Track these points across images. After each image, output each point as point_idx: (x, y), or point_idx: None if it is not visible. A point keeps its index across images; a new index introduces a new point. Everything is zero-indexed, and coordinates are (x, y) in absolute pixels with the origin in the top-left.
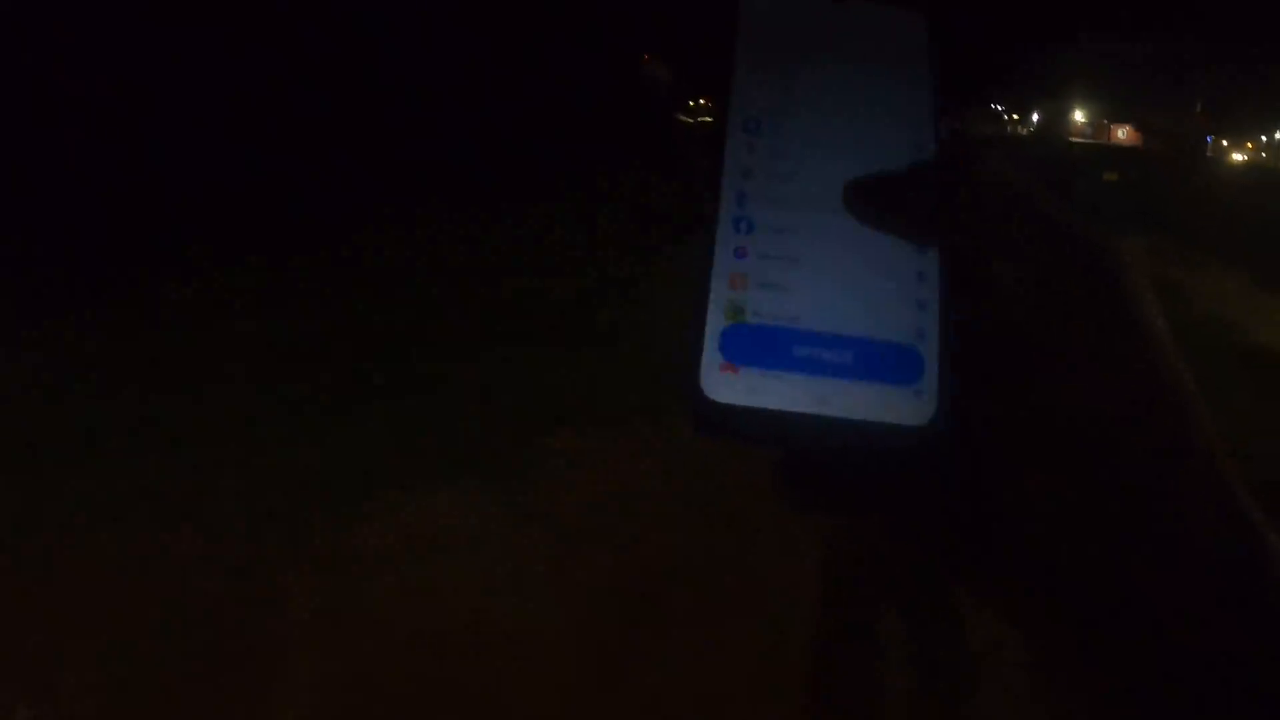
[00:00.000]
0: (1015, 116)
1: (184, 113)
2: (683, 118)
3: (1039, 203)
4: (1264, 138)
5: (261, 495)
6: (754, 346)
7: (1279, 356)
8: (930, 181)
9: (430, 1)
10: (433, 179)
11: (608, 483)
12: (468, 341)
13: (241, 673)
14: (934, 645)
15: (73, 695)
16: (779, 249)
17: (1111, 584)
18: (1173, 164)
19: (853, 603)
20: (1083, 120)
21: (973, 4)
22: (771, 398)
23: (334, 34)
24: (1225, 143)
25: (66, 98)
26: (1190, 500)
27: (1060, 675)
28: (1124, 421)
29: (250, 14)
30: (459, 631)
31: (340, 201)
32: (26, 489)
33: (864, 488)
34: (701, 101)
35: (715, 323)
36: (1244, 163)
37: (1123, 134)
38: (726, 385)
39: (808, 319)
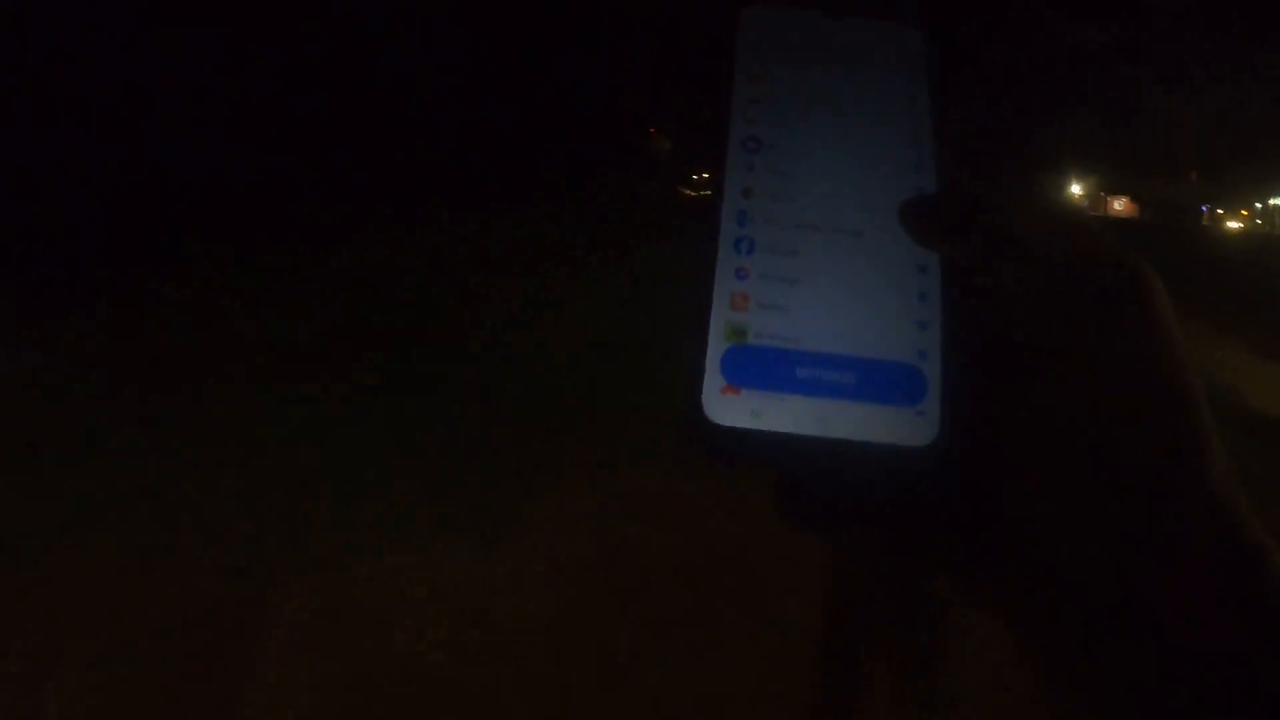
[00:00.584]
0: None
1: (184, 112)
2: (684, 189)
3: (1068, 213)
4: (1259, 205)
5: (261, 495)
6: (756, 368)
7: None
8: (968, 198)
9: (432, 3)
10: (435, 181)
11: (609, 484)
12: (468, 342)
13: (241, 673)
14: (934, 645)
15: (72, 694)
16: (780, 269)
17: (1111, 584)
18: (1169, 234)
19: (852, 604)
20: (1080, 193)
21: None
22: (774, 419)
23: (334, 33)
24: (1220, 211)
25: (67, 97)
26: (1190, 501)
27: (1059, 675)
28: (1126, 422)
29: (250, 13)
30: (460, 631)
31: (341, 201)
32: (27, 488)
33: (866, 508)
34: (704, 175)
35: (716, 344)
36: (1240, 230)
37: (1119, 205)
38: (728, 407)
39: (810, 340)
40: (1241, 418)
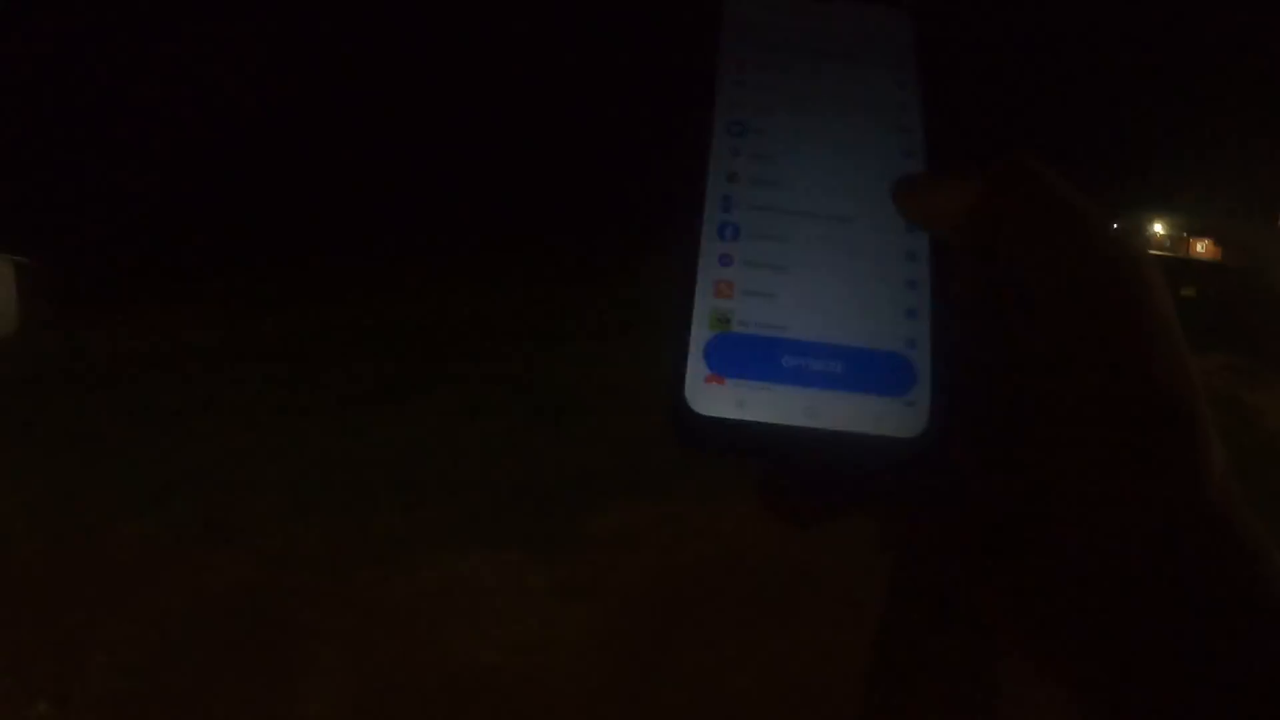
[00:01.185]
0: None
1: (271, 130)
2: None
3: (1067, 194)
4: None
5: (298, 485)
6: (741, 357)
7: None
8: (967, 175)
9: (433, 9)
10: (491, 185)
11: (669, 502)
12: (505, 341)
13: (272, 658)
14: (971, 659)
15: (104, 673)
16: (765, 256)
17: (1106, 583)
18: (1253, 279)
19: (896, 621)
20: (1162, 232)
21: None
22: (759, 410)
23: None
24: None
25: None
26: (1184, 501)
27: (1060, 677)
28: (1119, 417)
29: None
30: (513, 635)
31: (404, 209)
32: (73, 470)
33: (855, 500)
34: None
35: (700, 332)
36: None
37: (1202, 248)
38: (712, 397)
39: (796, 328)
40: None
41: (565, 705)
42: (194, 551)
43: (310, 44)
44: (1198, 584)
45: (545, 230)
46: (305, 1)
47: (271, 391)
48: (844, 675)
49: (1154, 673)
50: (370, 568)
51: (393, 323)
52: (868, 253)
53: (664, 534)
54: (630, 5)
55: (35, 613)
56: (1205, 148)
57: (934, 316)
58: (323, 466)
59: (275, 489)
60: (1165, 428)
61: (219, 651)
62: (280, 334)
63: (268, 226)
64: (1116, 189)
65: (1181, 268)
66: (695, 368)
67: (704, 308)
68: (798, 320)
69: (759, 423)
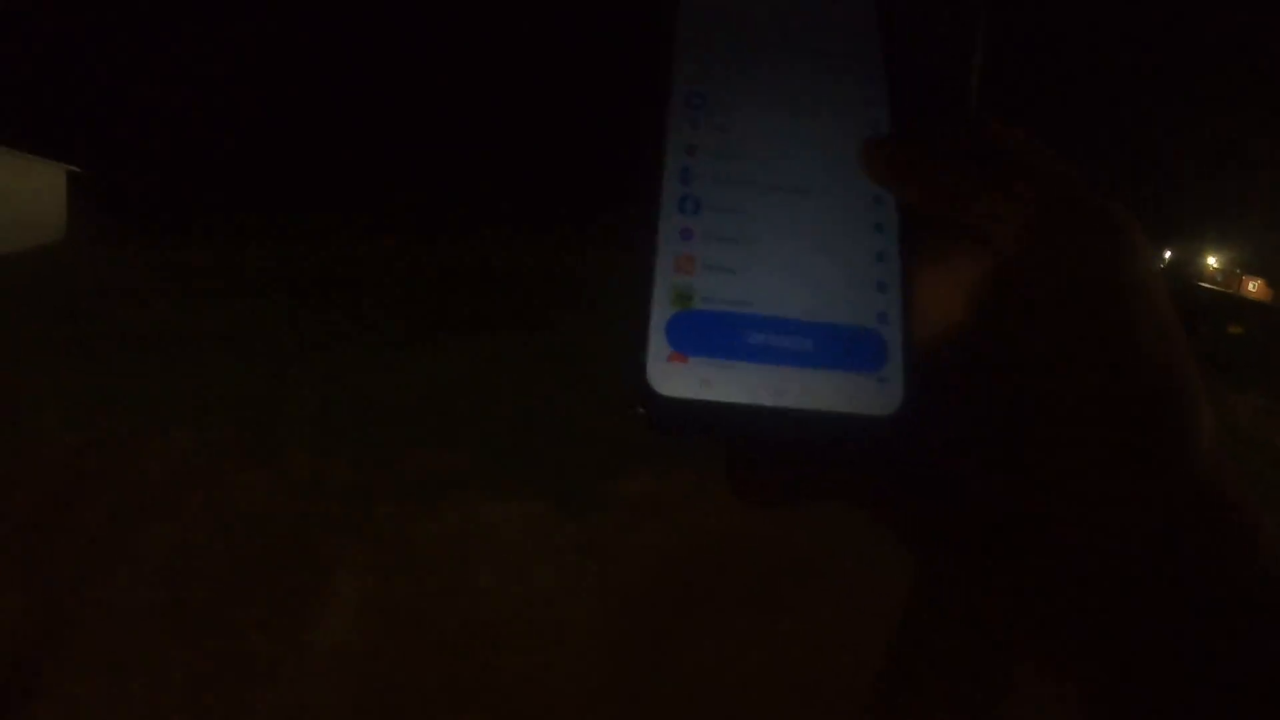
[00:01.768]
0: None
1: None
2: None
3: (1046, 161)
4: None
5: (330, 417)
6: (704, 334)
7: None
8: (947, 137)
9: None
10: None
11: (692, 472)
12: (551, 296)
13: (291, 582)
14: (984, 655)
15: (128, 586)
16: (728, 229)
17: (1094, 564)
18: None
19: (913, 609)
20: (1215, 265)
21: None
22: (725, 389)
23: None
24: None
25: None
26: (1171, 474)
27: (1049, 662)
28: (1100, 389)
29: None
30: (505, 578)
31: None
32: (112, 379)
33: (827, 482)
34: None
35: (661, 310)
36: None
37: (1254, 287)
38: (676, 377)
39: (761, 303)
40: None
41: (574, 661)
42: (225, 470)
43: None
44: (1198, 584)
45: (602, 194)
46: None
47: (311, 323)
48: (857, 651)
49: (1154, 673)
50: (395, 504)
51: (440, 265)
52: (834, 224)
53: (689, 502)
54: None
55: (62, 517)
56: (1270, 175)
57: (904, 289)
58: (356, 401)
59: (309, 419)
60: (1165, 428)
61: (240, 570)
62: (323, 266)
63: (323, 161)
64: (1170, 216)
65: (1231, 304)
66: (657, 347)
67: (665, 284)
68: (763, 296)
69: (725, 403)
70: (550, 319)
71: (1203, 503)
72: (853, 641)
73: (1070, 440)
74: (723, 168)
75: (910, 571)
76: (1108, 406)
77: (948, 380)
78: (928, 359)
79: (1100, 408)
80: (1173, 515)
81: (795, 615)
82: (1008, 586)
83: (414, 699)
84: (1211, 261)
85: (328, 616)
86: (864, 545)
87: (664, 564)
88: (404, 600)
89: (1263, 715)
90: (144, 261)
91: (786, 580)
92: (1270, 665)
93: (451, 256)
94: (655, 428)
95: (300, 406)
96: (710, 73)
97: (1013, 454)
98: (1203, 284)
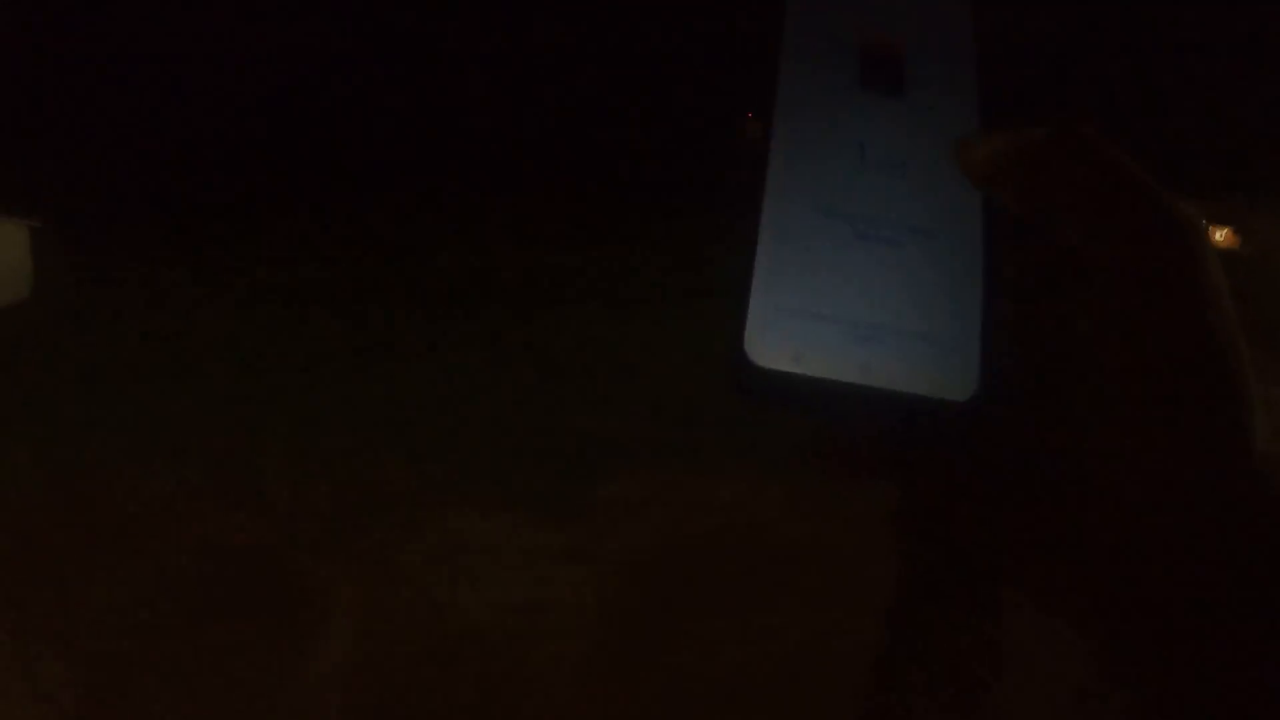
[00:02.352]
0: None
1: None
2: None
3: (1126, 160)
4: None
5: (305, 440)
6: (799, 313)
7: None
8: (1041, 136)
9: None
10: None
11: (681, 477)
12: (518, 302)
13: (283, 613)
14: (986, 651)
15: (109, 631)
16: (825, 225)
17: (1158, 564)
18: (1273, 272)
19: (908, 608)
20: None
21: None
22: (815, 365)
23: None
24: None
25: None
26: (1235, 462)
27: (1096, 672)
28: (1167, 375)
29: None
30: (514, 597)
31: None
32: (82, 417)
33: (904, 461)
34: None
35: (763, 286)
36: None
37: (1221, 236)
38: (770, 349)
39: (853, 289)
40: None
41: (568, 663)
42: (204, 496)
43: None
44: (1246, 568)
45: (583, 192)
46: None
47: (280, 342)
48: (842, 651)
49: (1188, 652)
50: (376, 522)
51: (403, 278)
52: (920, 217)
53: (670, 504)
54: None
55: (38, 560)
56: (1233, 126)
57: (986, 279)
58: (329, 420)
59: (283, 443)
60: (1221, 407)
61: (221, 599)
62: (286, 286)
63: (281, 180)
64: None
65: None
66: (756, 321)
67: (765, 263)
68: (855, 282)
69: (814, 377)
70: (521, 326)
71: (1254, 488)
72: (842, 634)
73: (1123, 416)
74: (824, 171)
75: (904, 566)
76: (1167, 382)
77: (1021, 371)
78: (1002, 349)
79: (1160, 384)
80: (1228, 499)
81: (782, 611)
82: (1047, 551)
83: (415, 716)
84: None
85: (321, 648)
86: (850, 538)
87: (647, 565)
88: (396, 624)
89: None
90: (106, 300)
91: (771, 576)
92: None
93: (415, 269)
94: (746, 395)
95: (273, 430)
96: (812, 83)
97: (1066, 423)
98: None
